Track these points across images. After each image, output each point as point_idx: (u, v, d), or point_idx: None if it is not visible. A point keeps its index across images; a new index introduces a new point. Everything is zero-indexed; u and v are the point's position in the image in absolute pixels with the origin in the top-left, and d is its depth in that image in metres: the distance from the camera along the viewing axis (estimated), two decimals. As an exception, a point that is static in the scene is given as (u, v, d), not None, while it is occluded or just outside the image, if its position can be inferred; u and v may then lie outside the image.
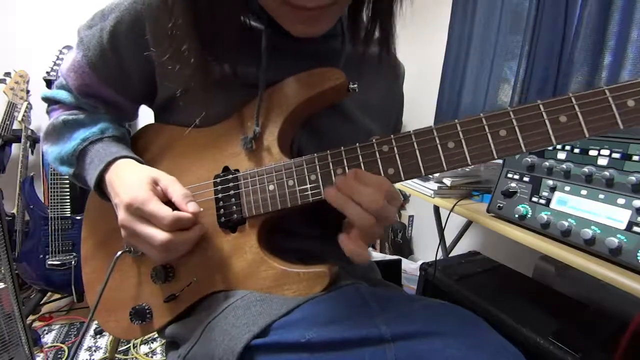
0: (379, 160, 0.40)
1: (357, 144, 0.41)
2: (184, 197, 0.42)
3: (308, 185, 0.42)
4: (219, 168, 0.48)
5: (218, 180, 0.47)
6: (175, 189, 0.43)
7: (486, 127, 0.36)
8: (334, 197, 0.38)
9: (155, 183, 0.43)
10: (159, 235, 0.39)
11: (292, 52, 0.48)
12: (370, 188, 0.37)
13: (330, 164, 0.41)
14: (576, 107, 0.34)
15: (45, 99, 0.56)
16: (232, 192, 0.46)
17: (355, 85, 0.44)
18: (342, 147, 0.41)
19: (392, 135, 0.39)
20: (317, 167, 0.42)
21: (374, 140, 0.40)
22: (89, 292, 0.55)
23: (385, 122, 0.58)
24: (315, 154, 0.42)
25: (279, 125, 0.45)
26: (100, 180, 0.47)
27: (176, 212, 0.40)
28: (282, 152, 0.45)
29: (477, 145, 0.36)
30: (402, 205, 2.11)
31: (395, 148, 0.39)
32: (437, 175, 1.05)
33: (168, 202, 0.42)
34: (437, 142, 0.38)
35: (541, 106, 0.35)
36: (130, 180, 0.43)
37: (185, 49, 0.41)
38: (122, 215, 0.41)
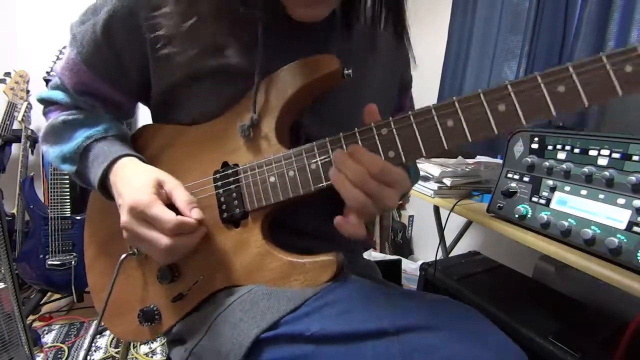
0: (378, 144, 0.39)
1: (356, 129, 0.40)
2: (188, 203, 0.42)
3: (309, 174, 0.42)
4: (218, 164, 0.48)
5: (218, 176, 0.47)
6: (180, 195, 0.43)
7: (485, 103, 0.36)
8: (332, 175, 0.39)
9: (160, 186, 0.43)
10: (162, 240, 0.39)
11: (288, 38, 0.48)
12: (358, 165, 0.37)
13: (330, 151, 0.41)
14: (574, 76, 0.33)
15: (41, 100, 0.55)
16: (232, 186, 0.46)
17: (350, 71, 0.44)
18: (341, 134, 0.41)
19: (390, 118, 0.39)
20: (317, 155, 0.42)
21: (372, 124, 0.40)
22: (96, 296, 0.55)
23: (389, 95, 0.58)
24: (314, 143, 0.42)
25: (276, 115, 0.45)
26: (104, 179, 0.47)
27: (180, 217, 0.40)
28: (281, 142, 0.45)
29: (477, 120, 0.36)
30: (401, 205, 2.11)
31: (394, 130, 0.39)
32: (437, 175, 1.05)
33: (171, 206, 0.42)
34: (436, 121, 0.37)
35: (539, 77, 0.34)
36: (135, 182, 0.43)
37: (196, 21, 0.42)
38: (125, 217, 0.41)
